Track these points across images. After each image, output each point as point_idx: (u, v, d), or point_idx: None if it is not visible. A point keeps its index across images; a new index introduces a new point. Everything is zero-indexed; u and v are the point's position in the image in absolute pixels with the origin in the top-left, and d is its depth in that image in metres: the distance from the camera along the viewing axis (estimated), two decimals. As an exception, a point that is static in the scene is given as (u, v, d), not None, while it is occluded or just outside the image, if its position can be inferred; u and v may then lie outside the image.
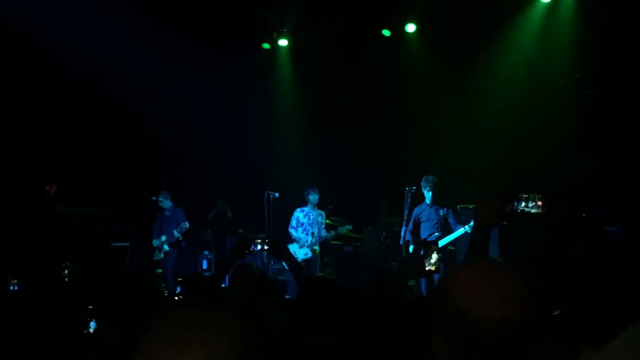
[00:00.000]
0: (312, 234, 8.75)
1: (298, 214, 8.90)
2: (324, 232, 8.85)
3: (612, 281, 1.67)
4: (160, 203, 9.74)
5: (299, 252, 8.54)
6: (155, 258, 9.71)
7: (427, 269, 2.40)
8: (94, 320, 3.04)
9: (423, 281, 7.67)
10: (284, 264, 4.36)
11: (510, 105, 9.50)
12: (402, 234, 8.03)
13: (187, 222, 9.51)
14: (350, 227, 9.03)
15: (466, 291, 1.38)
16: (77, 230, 9.44)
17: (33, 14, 9.24)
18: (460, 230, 7.30)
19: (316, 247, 8.81)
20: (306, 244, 8.66)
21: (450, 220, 7.69)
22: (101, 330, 2.82)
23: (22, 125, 9.95)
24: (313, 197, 8.79)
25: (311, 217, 8.85)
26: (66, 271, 4.12)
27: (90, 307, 2.92)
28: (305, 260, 8.44)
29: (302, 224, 8.84)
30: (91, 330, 3.03)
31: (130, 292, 3.30)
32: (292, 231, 8.82)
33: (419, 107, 10.52)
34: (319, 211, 8.95)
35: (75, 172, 10.19)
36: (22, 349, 2.30)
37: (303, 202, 8.87)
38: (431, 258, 2.37)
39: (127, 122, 10.91)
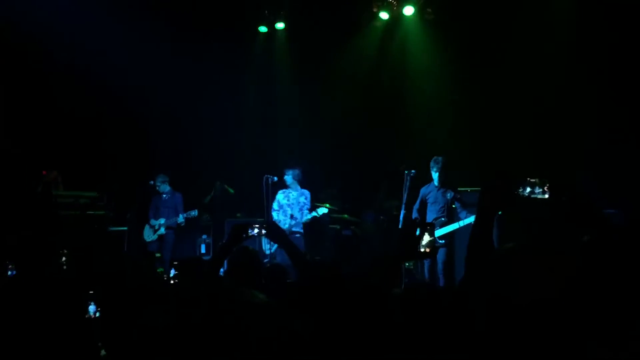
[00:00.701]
0: (292, 215, 8.60)
1: (279, 195, 8.78)
2: (306, 213, 8.57)
3: (619, 271, 1.64)
4: (157, 187, 9.73)
5: None
6: (147, 239, 9.69)
7: (421, 250, 2.36)
8: (92, 304, 3.02)
9: (426, 262, 7.59)
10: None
11: (512, 88, 9.43)
12: (400, 218, 7.98)
13: (196, 210, 9.51)
14: (326, 210, 8.63)
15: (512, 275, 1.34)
16: (73, 215, 9.40)
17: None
18: (467, 220, 7.14)
19: (297, 229, 8.55)
20: (284, 227, 8.47)
21: (456, 204, 7.51)
22: (103, 314, 2.81)
23: (16, 110, 9.91)
24: (286, 178, 8.62)
25: (291, 197, 8.70)
26: (63, 259, 4.10)
27: (91, 292, 2.90)
28: None
29: (282, 206, 8.74)
30: (91, 314, 3.02)
31: (128, 277, 3.29)
32: (273, 214, 8.72)
33: (419, 91, 10.47)
34: (302, 191, 8.74)
35: (71, 157, 10.16)
36: (22, 336, 2.28)
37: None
38: (422, 240, 2.33)
39: (123, 106, 10.85)
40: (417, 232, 2.40)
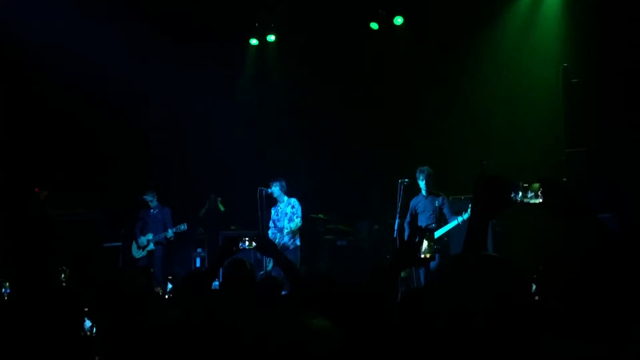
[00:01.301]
0: (281, 229, 8.46)
1: (272, 212, 8.74)
2: (293, 223, 8.36)
3: (621, 277, 1.65)
4: (149, 202, 9.72)
5: None
6: (135, 256, 9.66)
7: (422, 256, 2.38)
8: (87, 320, 3.02)
9: (422, 271, 7.63)
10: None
11: (499, 95, 9.52)
12: (395, 227, 8.01)
13: (185, 224, 9.49)
14: (299, 224, 8.41)
15: (462, 286, 1.35)
16: (68, 232, 9.36)
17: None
18: (454, 222, 7.30)
19: (285, 241, 8.38)
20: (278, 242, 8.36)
21: (445, 210, 7.65)
22: (101, 331, 2.80)
23: (11, 127, 9.87)
24: (273, 190, 8.55)
25: (279, 211, 8.63)
26: (63, 275, 4.09)
27: (86, 309, 2.90)
28: None
29: (274, 221, 8.68)
30: (87, 331, 3.01)
31: (123, 293, 3.28)
32: (269, 232, 8.66)
33: (410, 99, 10.53)
34: (288, 200, 8.62)
35: (65, 173, 10.13)
36: (20, 354, 2.27)
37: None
38: (422, 245, 2.35)
39: (116, 122, 10.86)
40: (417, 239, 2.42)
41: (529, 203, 1.97)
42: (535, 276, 1.70)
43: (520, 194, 1.99)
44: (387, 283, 2.58)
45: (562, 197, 1.95)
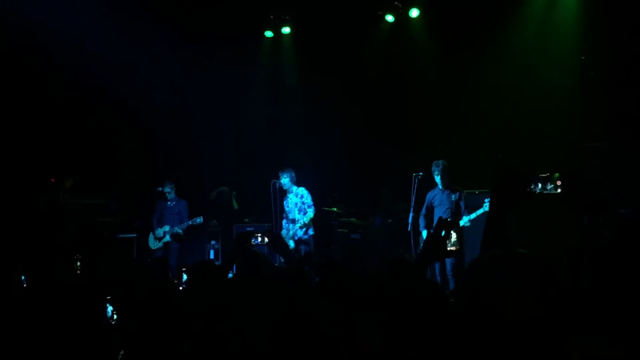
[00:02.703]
0: (293, 220, 8.48)
1: (284, 203, 8.73)
2: (306, 216, 8.32)
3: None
4: (167, 194, 9.77)
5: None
6: (152, 247, 9.73)
7: (448, 249, 2.36)
8: (110, 308, 3.04)
9: (437, 265, 7.60)
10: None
11: (517, 86, 9.42)
12: (409, 220, 7.99)
13: (201, 217, 9.54)
14: (311, 216, 8.33)
15: (493, 287, 1.32)
16: (82, 222, 9.44)
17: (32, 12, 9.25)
18: (472, 215, 7.25)
19: (299, 235, 8.36)
20: (287, 237, 8.37)
21: (462, 204, 7.63)
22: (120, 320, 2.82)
23: (26, 119, 9.97)
24: (283, 181, 8.53)
25: (290, 203, 8.62)
26: (78, 264, 4.13)
27: (107, 297, 2.92)
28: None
29: (285, 213, 8.68)
30: (109, 319, 3.04)
31: (138, 283, 3.30)
32: (283, 222, 8.68)
33: (424, 92, 10.46)
34: (297, 190, 8.60)
35: (79, 165, 10.20)
36: (38, 344, 2.29)
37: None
38: (451, 237, 2.33)
39: (129, 113, 10.89)
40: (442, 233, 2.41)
41: (548, 194, 1.95)
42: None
43: (540, 185, 1.97)
44: (414, 276, 2.56)
45: (582, 189, 1.92)
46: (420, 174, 7.99)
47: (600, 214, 1.87)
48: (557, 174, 1.95)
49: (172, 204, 9.82)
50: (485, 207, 7.08)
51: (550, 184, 1.95)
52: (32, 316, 2.40)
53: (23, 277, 3.96)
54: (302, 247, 8.34)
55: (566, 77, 8.79)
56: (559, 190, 1.94)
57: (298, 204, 8.51)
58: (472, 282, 1.37)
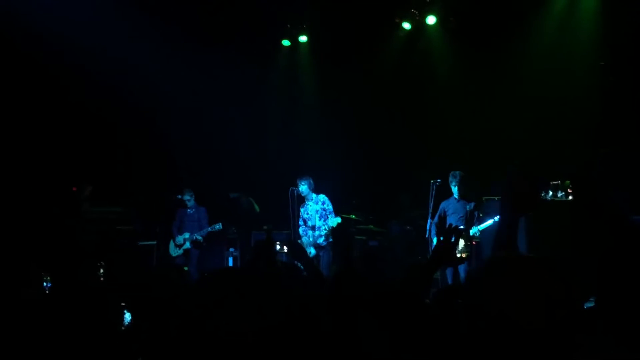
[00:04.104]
0: (313, 227, 8.49)
1: (301, 210, 8.73)
2: (331, 217, 8.33)
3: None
4: (187, 202, 9.86)
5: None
6: (172, 254, 9.82)
7: (457, 256, 2.38)
8: (128, 313, 3.08)
9: (449, 271, 7.59)
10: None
11: (535, 94, 9.36)
12: (427, 227, 7.99)
13: (220, 224, 9.62)
14: (339, 220, 8.28)
15: (501, 292, 1.33)
16: (102, 230, 9.55)
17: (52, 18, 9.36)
18: (490, 222, 7.21)
19: (320, 241, 8.38)
20: (308, 243, 8.40)
21: (476, 214, 7.61)
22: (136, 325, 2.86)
23: (46, 129, 10.09)
24: (302, 189, 8.50)
25: (310, 210, 8.62)
26: (101, 271, 4.19)
27: (123, 304, 2.96)
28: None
29: (305, 220, 8.67)
30: (126, 324, 3.07)
31: (157, 290, 3.34)
32: (300, 230, 8.68)
33: (441, 100, 10.45)
34: (317, 198, 8.58)
35: (99, 173, 10.31)
36: (59, 348, 2.33)
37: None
38: (458, 245, 2.35)
39: (148, 121, 11.01)
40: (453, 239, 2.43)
41: (559, 201, 1.95)
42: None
43: (551, 192, 1.98)
44: (422, 283, 2.58)
45: (592, 196, 1.92)
46: (439, 180, 8.00)
47: (608, 221, 1.87)
48: (567, 182, 1.95)
49: (191, 212, 9.92)
50: (496, 217, 7.05)
51: (561, 192, 1.96)
52: (55, 319, 2.44)
53: (46, 283, 4.03)
54: (322, 254, 8.37)
55: (585, 82, 8.72)
56: (570, 198, 1.94)
57: (319, 211, 8.52)
58: (476, 284, 1.39)
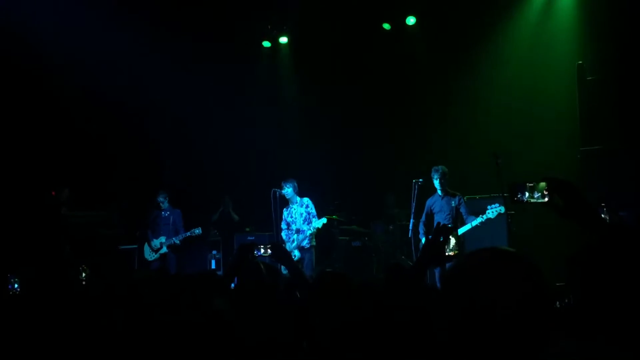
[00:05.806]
0: (297, 230, 8.43)
1: (284, 213, 8.66)
2: (314, 221, 8.27)
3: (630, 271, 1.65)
4: (161, 203, 9.73)
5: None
6: (148, 258, 9.69)
7: (447, 254, 2.40)
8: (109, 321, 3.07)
9: (437, 271, 7.61)
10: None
11: (513, 94, 9.48)
12: (410, 227, 8.01)
13: (199, 228, 9.44)
14: (324, 221, 8.22)
15: (475, 283, 1.36)
16: (84, 234, 9.45)
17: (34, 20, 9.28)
18: (475, 221, 7.22)
19: (304, 243, 8.33)
20: (292, 248, 8.33)
21: (462, 210, 7.58)
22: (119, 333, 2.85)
23: (25, 130, 9.96)
24: (286, 191, 8.47)
25: (294, 213, 8.56)
26: (83, 274, 4.16)
27: (106, 311, 2.95)
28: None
29: (288, 224, 8.61)
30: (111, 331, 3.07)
31: (142, 296, 3.33)
32: (282, 234, 8.63)
33: (422, 100, 10.51)
34: (301, 201, 8.54)
35: (80, 176, 10.21)
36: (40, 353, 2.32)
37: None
38: (449, 243, 2.37)
39: (130, 124, 10.93)
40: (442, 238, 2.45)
41: (536, 202, 1.97)
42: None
43: (527, 194, 2.00)
44: (413, 282, 2.58)
45: (568, 196, 1.94)
46: (420, 180, 7.99)
47: (585, 220, 1.89)
48: (543, 183, 1.97)
49: (166, 214, 9.71)
50: (489, 214, 7.08)
51: (538, 193, 1.97)
52: (22, 320, 2.43)
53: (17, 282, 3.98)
54: (304, 254, 8.36)
55: (564, 81, 8.82)
56: (546, 199, 1.96)
57: (303, 214, 8.50)
58: (457, 278, 1.41)
